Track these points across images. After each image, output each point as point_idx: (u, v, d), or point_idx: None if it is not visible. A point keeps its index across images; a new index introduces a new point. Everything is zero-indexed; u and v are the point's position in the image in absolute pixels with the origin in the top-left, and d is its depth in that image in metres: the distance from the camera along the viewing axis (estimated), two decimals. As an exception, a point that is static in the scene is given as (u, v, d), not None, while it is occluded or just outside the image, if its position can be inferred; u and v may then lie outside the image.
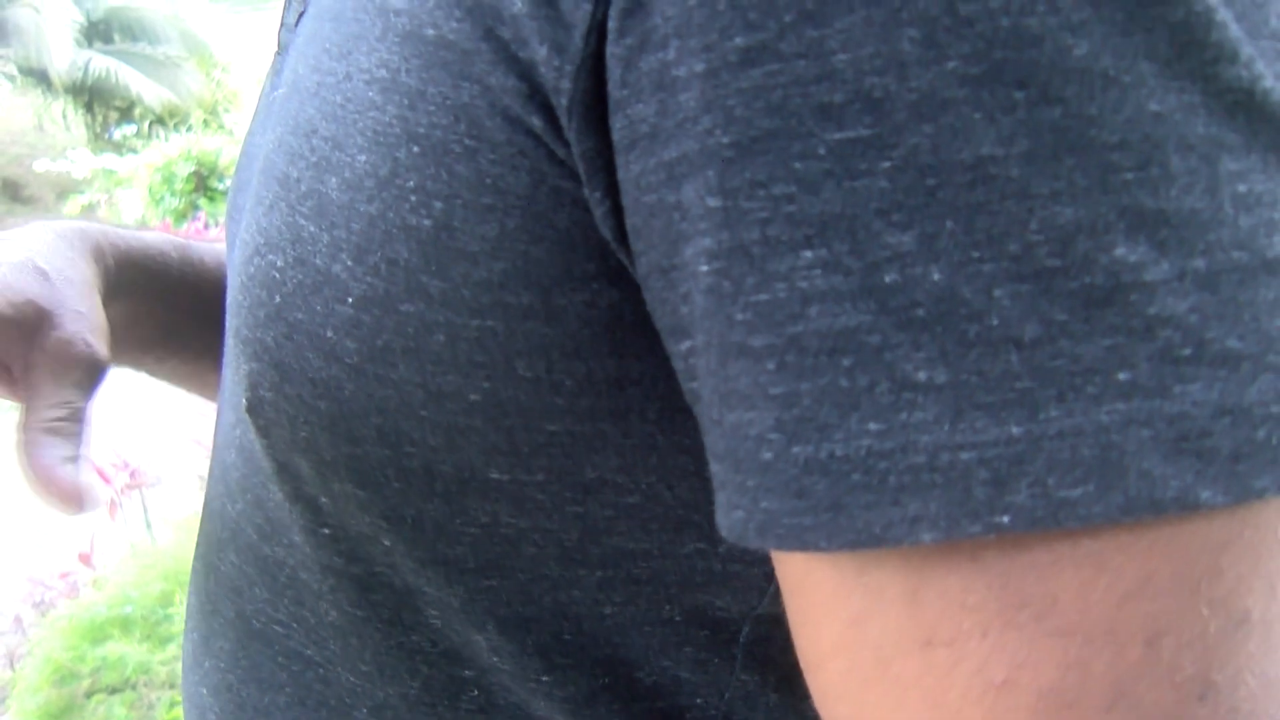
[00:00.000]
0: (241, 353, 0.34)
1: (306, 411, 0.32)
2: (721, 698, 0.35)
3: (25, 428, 0.43)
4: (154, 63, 11.72)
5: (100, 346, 0.45)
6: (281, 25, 0.42)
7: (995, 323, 0.21)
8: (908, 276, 0.22)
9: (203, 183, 6.92)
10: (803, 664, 0.27)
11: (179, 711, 2.15)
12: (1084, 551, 0.22)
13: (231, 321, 0.35)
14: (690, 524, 0.32)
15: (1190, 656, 0.22)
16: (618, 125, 0.25)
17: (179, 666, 2.27)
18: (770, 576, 0.33)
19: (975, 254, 0.21)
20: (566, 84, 0.26)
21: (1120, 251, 0.21)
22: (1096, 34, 0.21)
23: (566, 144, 0.26)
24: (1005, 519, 0.21)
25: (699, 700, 0.35)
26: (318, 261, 0.31)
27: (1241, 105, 0.22)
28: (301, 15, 0.39)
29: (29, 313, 0.44)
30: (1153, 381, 0.21)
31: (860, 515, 0.22)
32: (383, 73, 0.29)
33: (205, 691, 0.41)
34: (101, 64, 11.49)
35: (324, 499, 0.34)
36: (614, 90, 0.25)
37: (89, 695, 2.29)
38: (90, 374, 0.45)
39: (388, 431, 0.31)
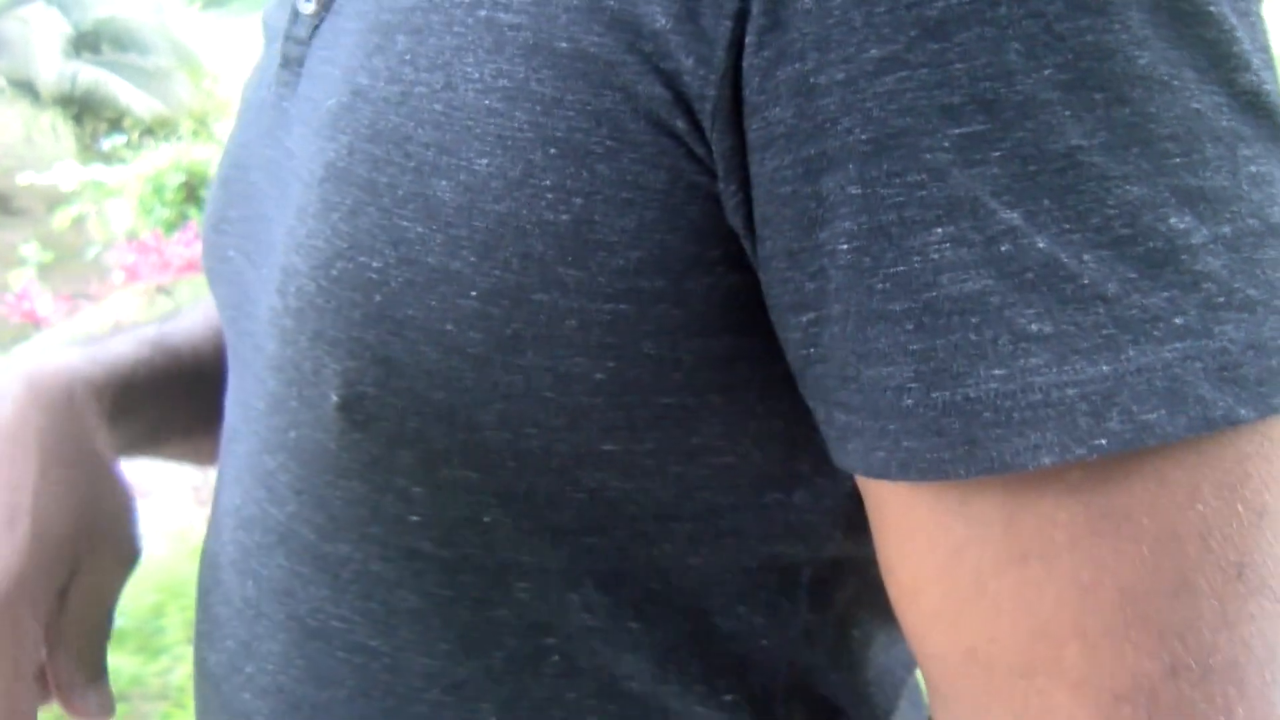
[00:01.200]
0: (328, 354, 0.35)
1: (419, 404, 0.34)
2: (786, 638, 0.39)
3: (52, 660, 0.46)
4: (143, 73, 11.70)
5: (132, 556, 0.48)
6: (286, 38, 0.42)
7: (1086, 282, 0.27)
8: (1019, 246, 0.27)
9: (193, 193, 6.90)
10: (896, 595, 0.32)
11: (173, 723, 2.14)
12: (1149, 469, 0.27)
13: (299, 326, 0.36)
14: (771, 479, 0.37)
15: (1231, 546, 0.27)
16: (754, 126, 0.30)
17: (172, 678, 2.26)
18: (836, 524, 0.38)
19: (1068, 226, 0.27)
20: (711, 91, 0.30)
21: (1173, 221, 0.27)
22: (1155, 48, 0.27)
23: (707, 144, 0.31)
24: (1103, 442, 0.26)
25: (764, 642, 0.39)
26: (430, 260, 0.33)
27: (1251, 104, 0.28)
28: (317, 28, 0.40)
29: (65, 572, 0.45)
30: (1199, 325, 0.27)
31: (993, 446, 0.27)
32: (504, 82, 0.32)
33: (249, 695, 0.42)
34: (90, 75, 11.47)
35: (417, 488, 0.37)
36: (751, 96, 0.30)
37: (82, 708, 2.27)
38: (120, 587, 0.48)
39: (510, 416, 0.34)
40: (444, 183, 0.33)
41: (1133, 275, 0.26)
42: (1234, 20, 0.28)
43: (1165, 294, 0.26)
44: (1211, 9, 0.28)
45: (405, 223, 0.33)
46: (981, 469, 0.27)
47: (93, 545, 0.46)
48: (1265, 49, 0.29)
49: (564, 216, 0.32)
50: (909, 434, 0.28)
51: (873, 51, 0.27)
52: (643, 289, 0.32)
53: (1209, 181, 0.27)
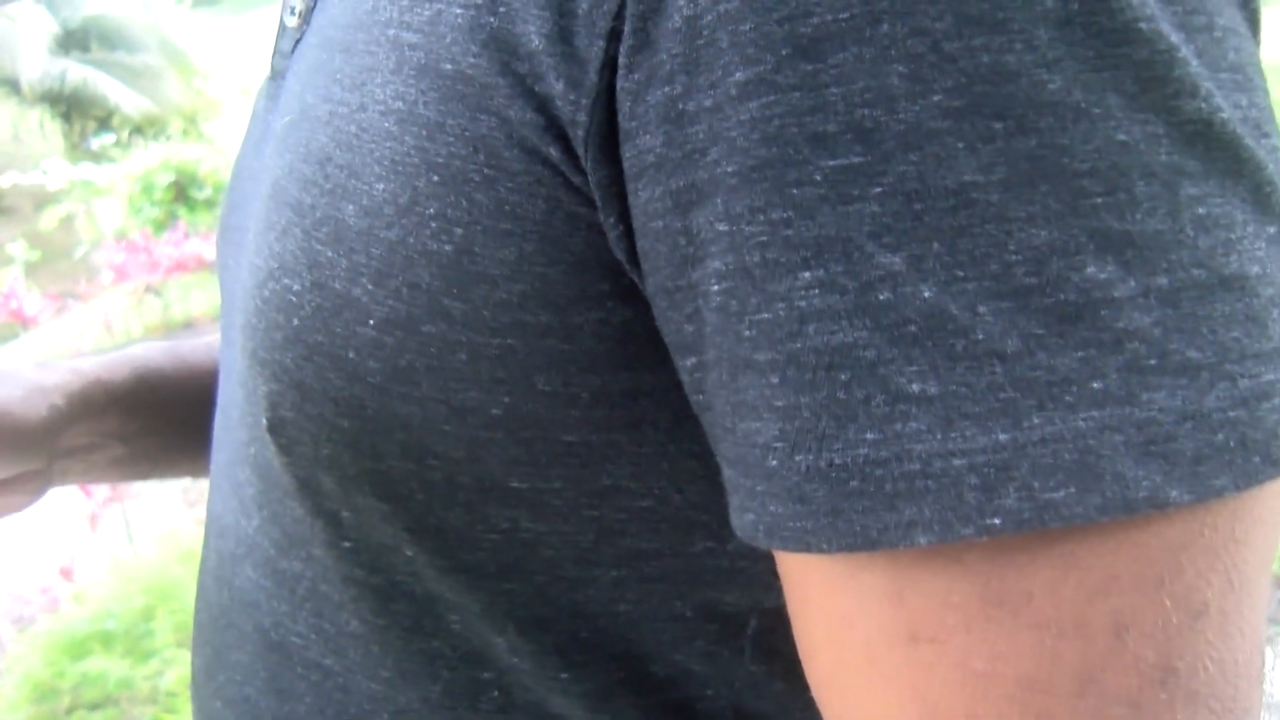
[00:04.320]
0: (260, 374, 0.35)
1: (329, 430, 0.33)
2: (731, 688, 0.37)
3: None
4: (132, 71, 11.66)
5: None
6: (274, 51, 0.42)
7: (980, 337, 0.23)
8: (899, 295, 0.23)
9: (182, 192, 6.88)
10: (800, 654, 0.29)
11: (162, 727, 2.12)
12: (1057, 551, 0.23)
13: (245, 342, 0.36)
14: (699, 524, 0.34)
15: (1153, 646, 0.23)
16: (628, 155, 0.27)
17: (161, 681, 2.24)
18: (775, 572, 0.35)
19: (959, 273, 0.23)
20: (583, 116, 0.27)
21: (1090, 270, 0.23)
22: (1069, 70, 0.23)
23: (583, 172, 0.28)
24: (996, 521, 0.23)
25: (709, 691, 0.37)
26: (337, 285, 0.32)
27: (1200, 135, 0.24)
28: (298, 43, 0.39)
29: None
30: (1122, 390, 0.23)
31: (858, 520, 0.24)
32: (399, 104, 0.31)
33: (220, 704, 0.42)
34: (78, 73, 11.42)
35: (345, 513, 0.35)
36: (624, 122, 0.27)
37: (70, 712, 2.25)
38: None
39: (411, 446, 0.32)
40: (350, 206, 0.31)
41: (1038, 331, 0.23)
42: (1175, 38, 0.24)
43: (1079, 354, 0.23)
44: (1141, 26, 0.24)
45: (319, 246, 0.32)
46: (845, 544, 0.24)
47: None
48: (1236, 68, 0.25)
49: (446, 247, 0.30)
50: (774, 497, 0.25)
51: (738, 74, 0.24)
52: (528, 323, 0.30)
53: (1139, 225, 0.23)
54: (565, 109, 0.27)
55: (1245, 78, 0.25)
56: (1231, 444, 0.23)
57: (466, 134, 0.29)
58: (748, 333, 0.25)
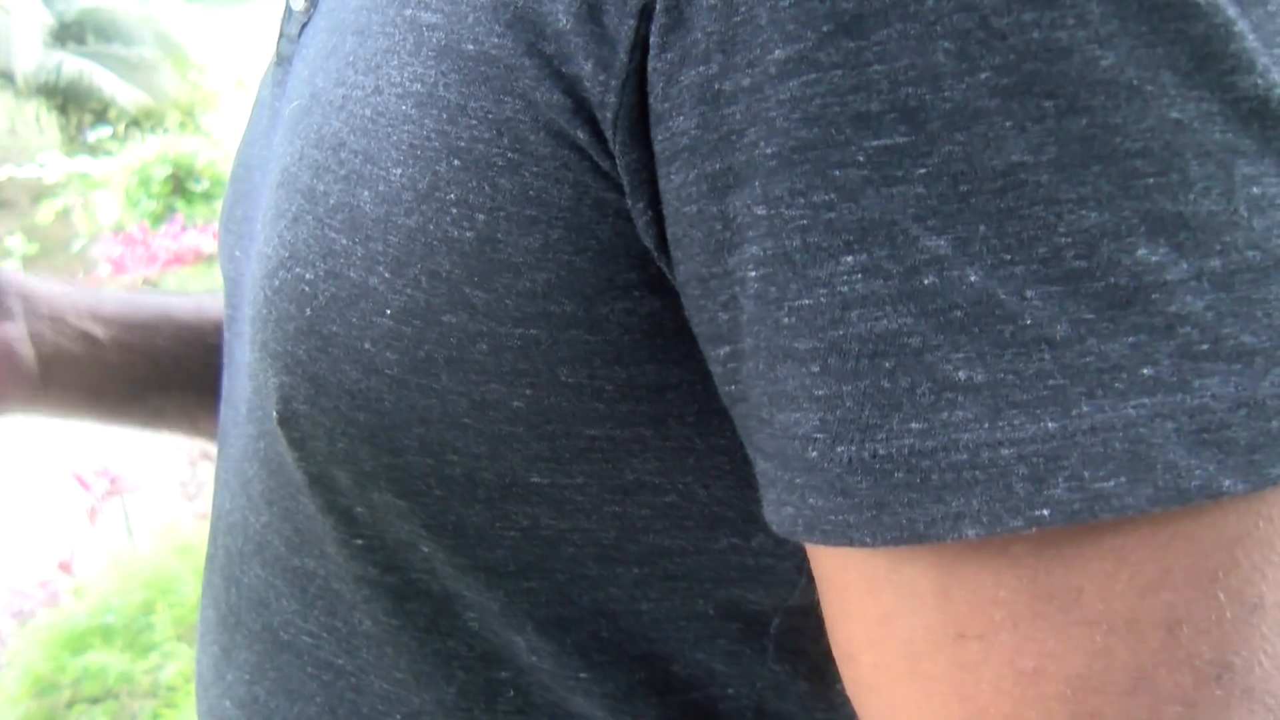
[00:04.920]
0: (270, 366, 0.34)
1: (344, 424, 0.32)
2: (753, 688, 0.36)
3: None
4: (128, 64, 11.62)
5: None
6: (281, 36, 0.41)
7: (1029, 323, 0.22)
8: (945, 279, 0.23)
9: (180, 185, 6.86)
10: (836, 655, 0.28)
11: (163, 721, 2.12)
12: (1107, 545, 0.23)
13: (254, 334, 0.35)
14: (724, 520, 0.33)
15: (1207, 642, 0.23)
16: (659, 138, 0.26)
17: (161, 675, 2.24)
18: (801, 569, 0.34)
19: (1007, 257, 0.22)
20: (612, 98, 0.26)
21: (1142, 253, 0.22)
22: (1122, 46, 0.22)
23: (611, 156, 0.27)
24: (1045, 512, 0.22)
25: (731, 691, 0.36)
26: (352, 274, 0.31)
27: (1257, 113, 0.23)
28: (305, 26, 0.38)
29: None
30: (1174, 377, 0.22)
31: (904, 512, 0.23)
32: (417, 87, 0.30)
33: (229, 704, 0.41)
34: (74, 66, 11.38)
35: (360, 509, 0.34)
36: (656, 104, 0.26)
37: (70, 706, 2.25)
38: None
39: (430, 441, 0.31)
40: (366, 193, 0.31)
41: (1088, 316, 0.22)
42: (1231, 11, 0.23)
43: (1130, 339, 0.22)
44: None
45: (333, 234, 0.31)
46: (890, 538, 0.23)
47: None
48: None
49: (468, 233, 0.29)
50: (814, 490, 0.24)
51: (778, 52, 0.23)
52: (552, 313, 0.29)
53: (1192, 206, 0.22)
54: (594, 90, 0.27)
55: None
56: None
57: (490, 117, 0.28)
58: (787, 320, 0.24)
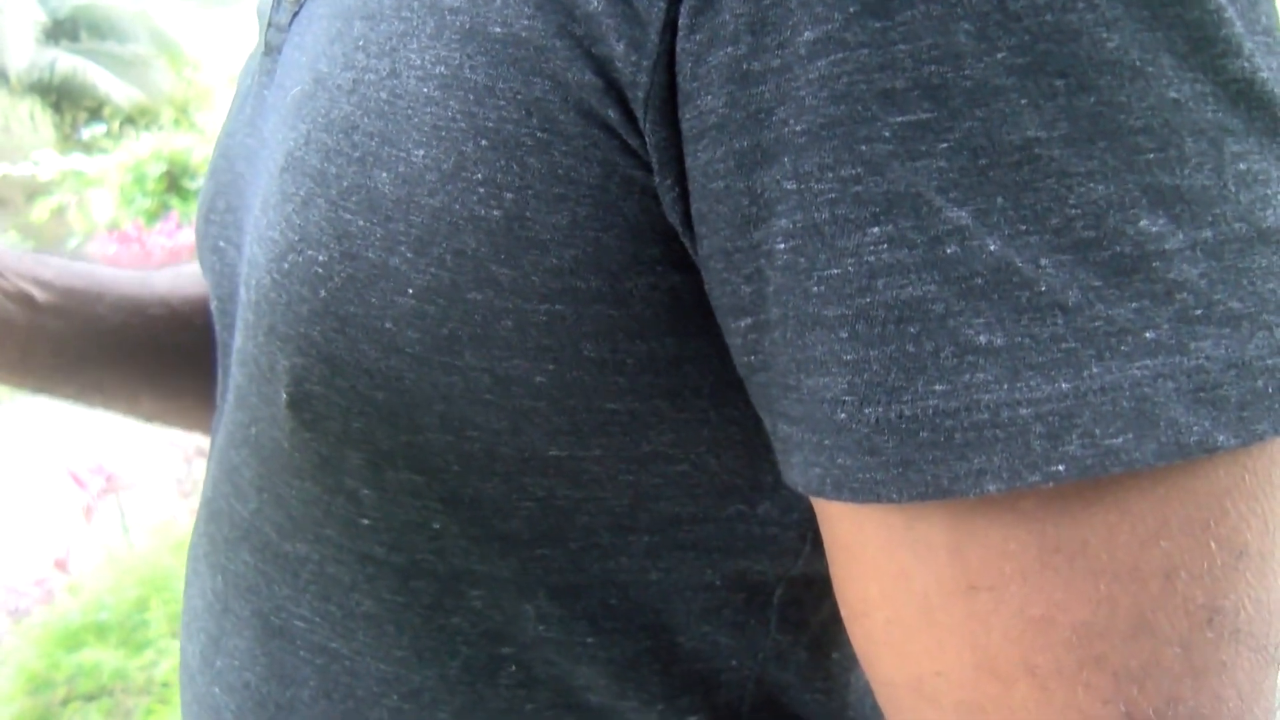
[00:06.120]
0: (280, 349, 0.34)
1: (362, 403, 0.33)
2: (755, 659, 0.37)
3: None
4: (122, 61, 11.59)
5: None
6: (269, 25, 0.41)
7: (1043, 289, 0.24)
8: (966, 249, 0.24)
9: (174, 182, 6.85)
10: (846, 616, 0.29)
11: (156, 718, 2.12)
12: (1111, 499, 0.24)
13: (258, 320, 0.35)
14: (733, 489, 0.34)
15: (1200, 587, 0.25)
16: (687, 116, 0.27)
17: (156, 672, 2.24)
18: (804, 538, 0.36)
19: (1023, 227, 0.24)
20: (644, 78, 0.27)
21: (1144, 224, 0.24)
22: (1126, 29, 0.24)
23: (641, 135, 0.28)
24: (1061, 468, 0.24)
25: (734, 662, 0.37)
26: (370, 255, 0.31)
27: (1243, 94, 0.25)
28: (295, 15, 0.39)
29: None
30: (1173, 340, 0.24)
31: (929, 469, 0.25)
32: (441, 69, 0.30)
33: (219, 690, 0.41)
34: (68, 63, 11.34)
35: (366, 490, 0.35)
36: (684, 83, 0.27)
37: (65, 703, 2.25)
38: None
39: (451, 418, 0.32)
40: (384, 174, 0.31)
41: (1097, 283, 0.24)
42: None
43: (1134, 304, 0.24)
44: None
45: (349, 215, 0.32)
46: (916, 494, 0.25)
47: None
48: (1267, 31, 0.26)
49: (495, 212, 0.30)
50: (843, 450, 0.26)
51: (807, 34, 0.25)
52: (579, 289, 0.30)
53: (1187, 180, 0.24)
54: (625, 71, 0.28)
55: (1274, 40, 0.26)
56: (1270, 390, 0.24)
57: (519, 98, 0.29)
58: (816, 289, 0.25)
